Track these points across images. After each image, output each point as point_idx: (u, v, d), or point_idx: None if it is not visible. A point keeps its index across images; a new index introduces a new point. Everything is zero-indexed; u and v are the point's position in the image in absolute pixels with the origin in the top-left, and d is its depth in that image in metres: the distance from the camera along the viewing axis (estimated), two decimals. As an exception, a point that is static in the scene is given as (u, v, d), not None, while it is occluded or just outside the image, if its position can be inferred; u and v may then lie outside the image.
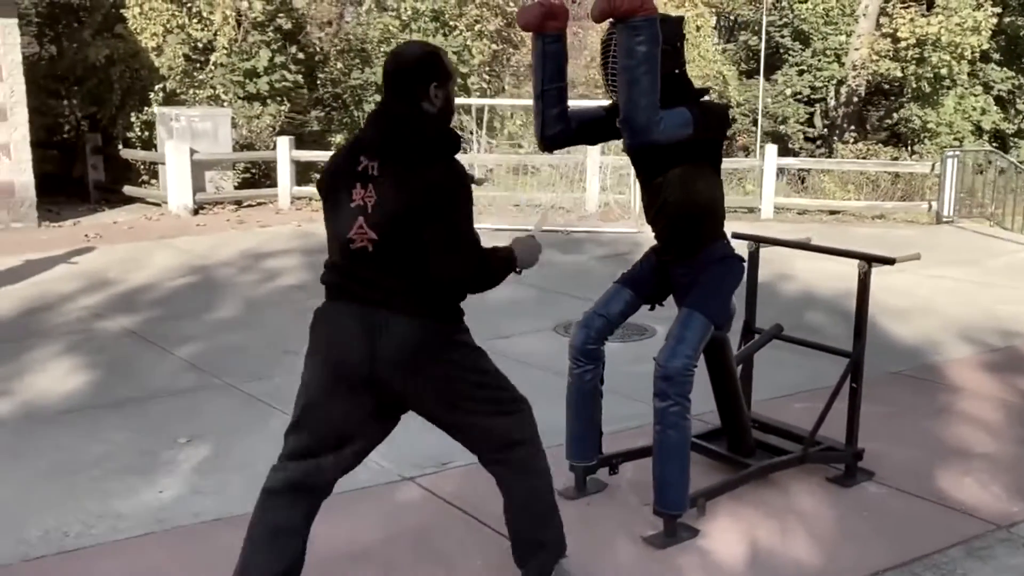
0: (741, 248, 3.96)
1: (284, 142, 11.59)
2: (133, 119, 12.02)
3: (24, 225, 9.84)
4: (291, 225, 10.31)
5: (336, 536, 3.21)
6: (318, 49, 14.52)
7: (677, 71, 3.14)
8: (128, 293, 6.91)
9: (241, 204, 11.76)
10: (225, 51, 12.49)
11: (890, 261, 3.53)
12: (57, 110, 12.32)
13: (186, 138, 11.04)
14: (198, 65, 12.61)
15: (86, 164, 12.15)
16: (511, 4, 15.36)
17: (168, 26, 12.30)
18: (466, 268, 2.59)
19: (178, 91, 12.42)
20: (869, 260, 3.58)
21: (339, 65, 14.94)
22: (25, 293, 6.79)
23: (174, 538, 3.25)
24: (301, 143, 12.59)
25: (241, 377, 4.99)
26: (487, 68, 15.60)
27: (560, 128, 3.21)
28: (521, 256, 2.74)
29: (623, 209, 11.08)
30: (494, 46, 15.40)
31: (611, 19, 2.91)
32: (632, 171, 10.93)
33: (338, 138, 14.63)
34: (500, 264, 2.69)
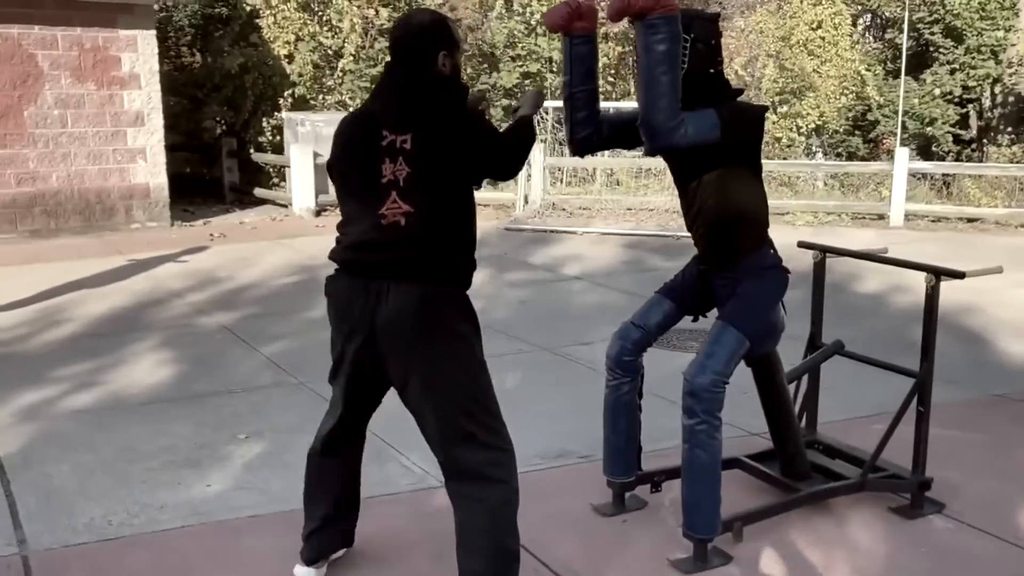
0: (805, 258, 3.75)
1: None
2: (264, 124, 12.57)
3: (158, 224, 10.46)
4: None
5: (359, 539, 3.23)
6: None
7: (712, 71, 2.98)
8: (232, 291, 7.21)
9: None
10: (352, 57, 12.88)
11: (959, 275, 3.23)
12: (197, 115, 13.02)
13: (310, 142, 11.44)
14: (327, 71, 13.06)
15: (222, 167, 12.81)
16: (637, 5, 15.14)
17: (299, 34, 12.80)
18: (510, 159, 2.69)
19: (307, 97, 12.91)
20: (937, 273, 3.29)
21: (468, 70, 15.11)
22: (137, 288, 7.20)
23: (207, 531, 3.33)
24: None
25: (315, 377, 5.08)
26: (612, 71, 15.42)
27: (590, 131, 3.10)
28: (530, 110, 2.83)
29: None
30: (620, 48, 15.22)
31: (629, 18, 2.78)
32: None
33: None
34: (522, 134, 2.75)
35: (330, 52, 12.98)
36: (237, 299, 6.95)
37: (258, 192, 12.32)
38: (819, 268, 3.77)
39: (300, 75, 12.69)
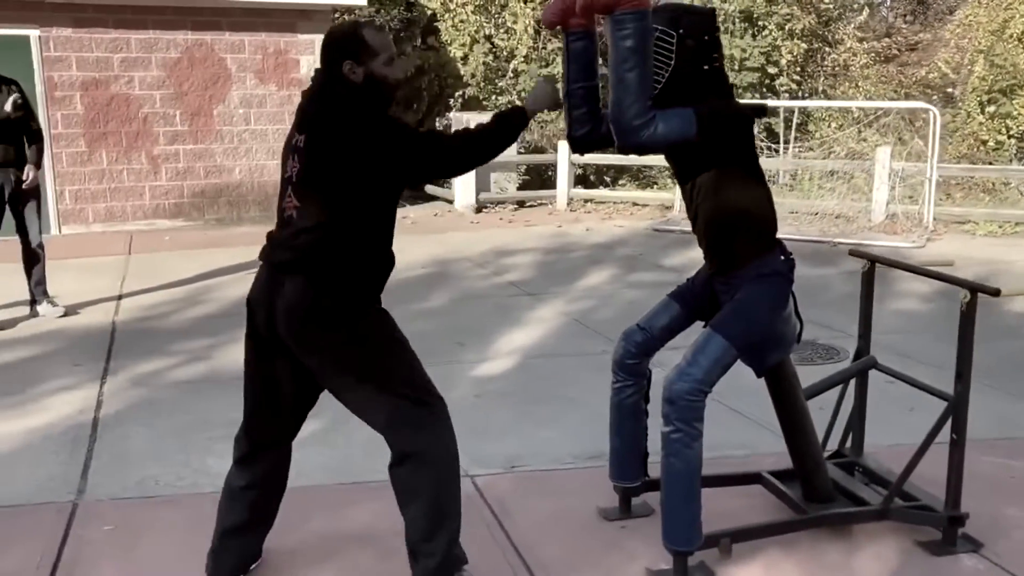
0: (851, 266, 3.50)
1: (564, 145, 11.95)
2: (436, 124, 13.09)
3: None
4: (553, 226, 10.62)
5: (354, 520, 3.38)
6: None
7: (707, 67, 2.87)
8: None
9: (524, 204, 12.34)
10: (523, 58, 13.14)
11: (994, 292, 2.92)
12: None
13: (474, 141, 11.79)
14: (499, 73, 13.40)
15: (398, 164, 13.45)
16: (823, 1, 14.41)
17: (475, 36, 13.22)
18: (445, 163, 2.73)
19: (480, 97, 13.31)
20: (973, 290, 2.99)
21: None
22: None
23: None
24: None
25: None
26: (797, 68, 14.76)
27: (588, 129, 3.06)
28: (532, 103, 2.85)
29: (912, 221, 9.98)
30: (805, 44, 14.54)
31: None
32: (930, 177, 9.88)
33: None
34: (491, 130, 2.76)
35: (503, 54, 13.31)
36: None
37: (428, 189, 12.83)
38: (867, 278, 3.52)
39: (472, 75, 13.10)
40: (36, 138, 6.03)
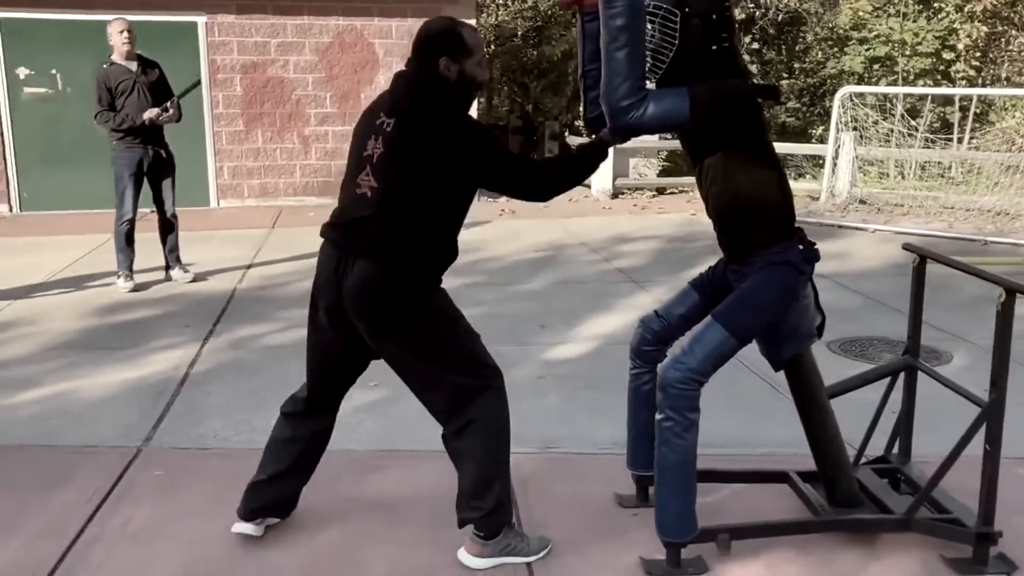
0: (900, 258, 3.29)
1: (708, 132, 11.69)
2: (582, 108, 13.07)
3: (466, 198, 11.43)
4: (686, 214, 10.41)
5: (376, 485, 3.52)
6: (799, 39, 14.21)
7: (715, 47, 2.77)
8: (481, 260, 7.77)
9: (663, 191, 12.16)
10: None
11: (1028, 291, 2.68)
12: (525, 99, 13.91)
13: (614, 126, 11.73)
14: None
15: (544, 148, 13.58)
16: (1006, -20, 13.29)
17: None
18: (529, 189, 2.84)
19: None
20: (1010, 290, 2.75)
21: (817, 55, 14.44)
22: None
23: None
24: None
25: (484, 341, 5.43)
26: (977, 53, 13.70)
27: (601, 112, 3.03)
28: (608, 136, 2.90)
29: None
30: (987, 27, 13.46)
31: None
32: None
33: (819, 130, 14.15)
34: (576, 163, 2.88)
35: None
36: (473, 268, 7.49)
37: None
38: (918, 274, 3.30)
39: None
40: (174, 106, 6.53)
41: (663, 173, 12.58)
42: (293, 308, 6.15)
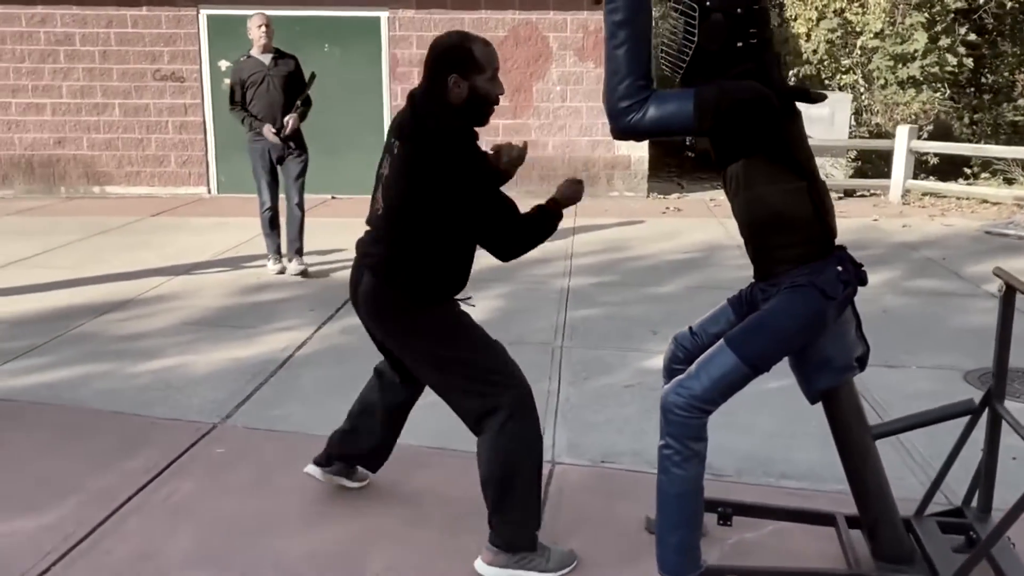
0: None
1: (903, 131, 10.77)
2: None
3: (635, 195, 11.22)
4: (868, 220, 9.67)
5: (409, 483, 3.51)
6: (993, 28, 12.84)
7: (741, 44, 2.51)
8: (621, 260, 7.60)
9: (852, 194, 11.36)
10: (874, 34, 11.98)
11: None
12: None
13: (799, 123, 11.06)
14: (843, 50, 12.36)
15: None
16: None
17: (823, 12, 12.31)
18: (504, 249, 2.81)
19: (821, 76, 12.40)
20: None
21: (1015, 48, 13.00)
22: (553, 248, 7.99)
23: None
24: (947, 135, 11.51)
25: (587, 343, 5.30)
26: None
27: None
28: (562, 198, 2.89)
29: None
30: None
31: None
32: None
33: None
34: (537, 224, 2.81)
35: (851, 30, 12.25)
36: (607, 267, 7.33)
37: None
38: (1005, 305, 2.85)
39: (814, 52, 12.24)
40: (305, 103, 6.76)
41: (858, 174, 11.73)
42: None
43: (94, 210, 10.20)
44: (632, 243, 8.31)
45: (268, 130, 6.57)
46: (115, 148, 11.18)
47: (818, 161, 11.26)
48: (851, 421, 2.71)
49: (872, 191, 11.35)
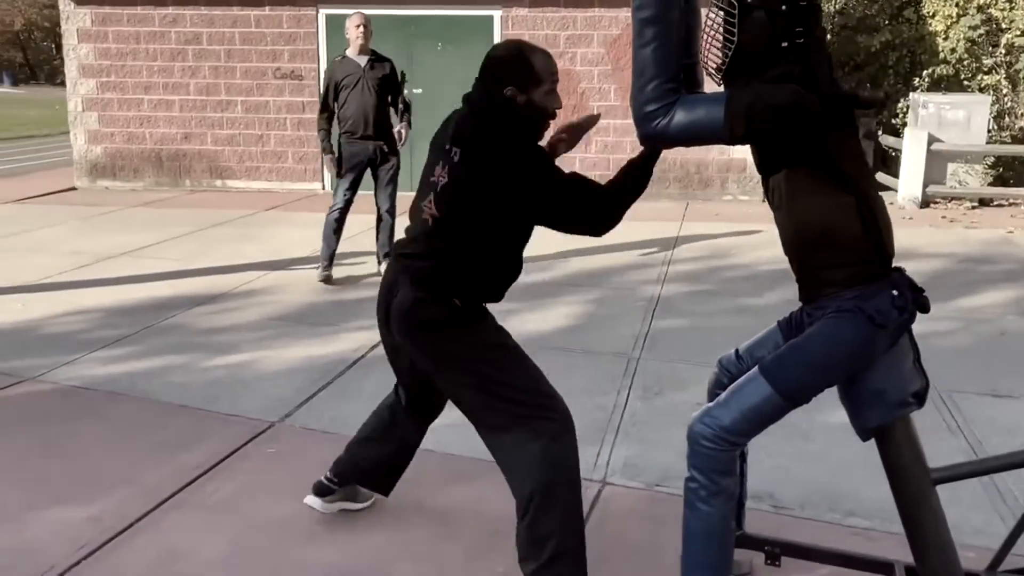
0: None
1: (1049, 136, 9.94)
2: (901, 105, 11.73)
3: (750, 198, 10.78)
4: (1002, 231, 8.95)
5: (444, 495, 3.41)
6: None
7: (786, 44, 2.28)
8: (720, 268, 7.29)
9: (987, 203, 10.58)
10: (1021, 32, 11.10)
11: None
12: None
13: (931, 126, 10.38)
14: (986, 48, 11.51)
15: (855, 148, 12.39)
16: None
17: (964, 8, 11.51)
18: (592, 225, 2.65)
19: (960, 76, 11.60)
20: None
21: None
22: (622, 251, 7.77)
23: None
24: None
25: (666, 356, 5.08)
26: None
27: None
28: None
29: None
30: None
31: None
32: None
33: None
34: (617, 189, 2.67)
35: (995, 27, 11.39)
36: (700, 276, 7.03)
37: (880, 177, 11.65)
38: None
39: (953, 51, 11.45)
40: (406, 110, 6.72)
41: (997, 182, 10.91)
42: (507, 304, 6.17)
43: (214, 203, 10.59)
44: (734, 250, 7.97)
45: (330, 164, 6.67)
46: (236, 144, 11.59)
47: (950, 168, 10.54)
48: (906, 463, 2.43)
49: (1012, 200, 10.54)
